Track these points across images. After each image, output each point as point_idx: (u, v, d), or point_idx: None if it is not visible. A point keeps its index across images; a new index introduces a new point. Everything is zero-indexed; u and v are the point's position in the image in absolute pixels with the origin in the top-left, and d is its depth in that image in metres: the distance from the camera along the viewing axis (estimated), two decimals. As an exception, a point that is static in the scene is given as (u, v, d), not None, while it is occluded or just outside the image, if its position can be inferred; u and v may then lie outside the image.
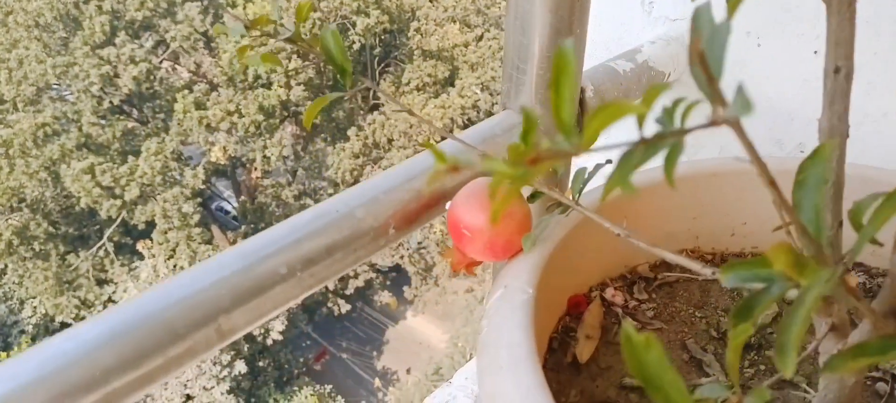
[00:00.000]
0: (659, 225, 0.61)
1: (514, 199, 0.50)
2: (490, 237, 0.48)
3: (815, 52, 0.70)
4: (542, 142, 0.24)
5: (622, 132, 0.25)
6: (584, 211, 0.49)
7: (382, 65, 13.49)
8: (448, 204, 0.50)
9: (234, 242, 11.33)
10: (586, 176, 0.50)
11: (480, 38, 12.86)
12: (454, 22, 12.67)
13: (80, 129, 11.90)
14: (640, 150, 0.25)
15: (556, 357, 0.52)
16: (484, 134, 0.59)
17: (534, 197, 0.52)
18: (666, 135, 0.25)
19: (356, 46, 12.61)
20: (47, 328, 11.34)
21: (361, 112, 13.10)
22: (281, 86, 11.81)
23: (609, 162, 0.53)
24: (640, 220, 0.59)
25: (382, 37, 13.17)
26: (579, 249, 0.54)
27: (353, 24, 12.34)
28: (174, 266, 11.13)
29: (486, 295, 0.49)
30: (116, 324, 0.38)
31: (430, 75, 12.51)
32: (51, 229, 11.86)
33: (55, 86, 12.54)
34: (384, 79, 13.15)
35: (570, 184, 0.51)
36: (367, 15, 12.28)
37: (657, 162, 0.27)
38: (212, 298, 0.41)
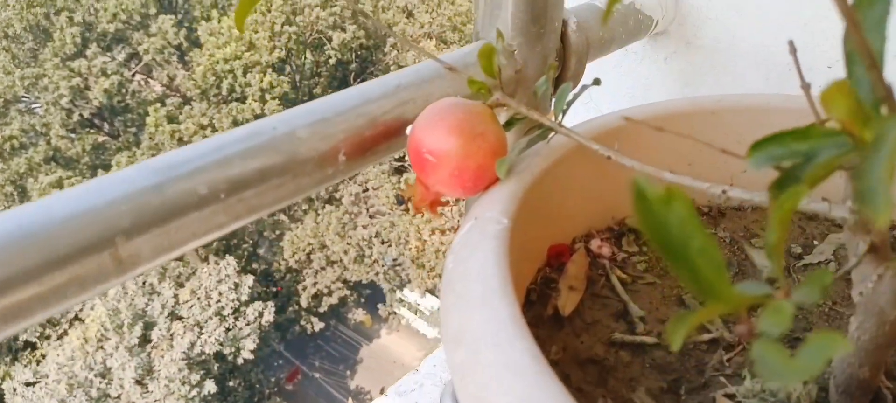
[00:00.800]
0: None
1: (487, 121, 0.42)
2: (458, 162, 0.41)
3: (817, -6, 0.64)
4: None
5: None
6: (570, 133, 0.41)
7: (358, 80, 13.41)
8: (409, 129, 0.43)
9: (205, 259, 11.12)
10: (571, 96, 0.43)
11: (457, 54, 12.84)
12: (430, 38, 12.65)
13: (48, 143, 11.63)
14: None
15: (534, 310, 0.44)
16: (457, 61, 0.51)
17: (510, 124, 0.45)
18: None
19: (332, 61, 12.53)
20: (10, 347, 10.97)
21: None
22: (255, 100, 11.66)
23: (597, 81, 0.46)
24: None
25: (359, 52, 13.11)
26: (562, 187, 0.47)
27: (330, 39, 12.26)
28: (143, 282, 10.85)
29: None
30: (-22, 241, 0.30)
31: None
32: (16, 245, 11.51)
33: (24, 99, 12.27)
34: (360, 95, 13.04)
35: (552, 107, 0.44)
36: (343, 30, 12.22)
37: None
38: (108, 217, 0.33)
